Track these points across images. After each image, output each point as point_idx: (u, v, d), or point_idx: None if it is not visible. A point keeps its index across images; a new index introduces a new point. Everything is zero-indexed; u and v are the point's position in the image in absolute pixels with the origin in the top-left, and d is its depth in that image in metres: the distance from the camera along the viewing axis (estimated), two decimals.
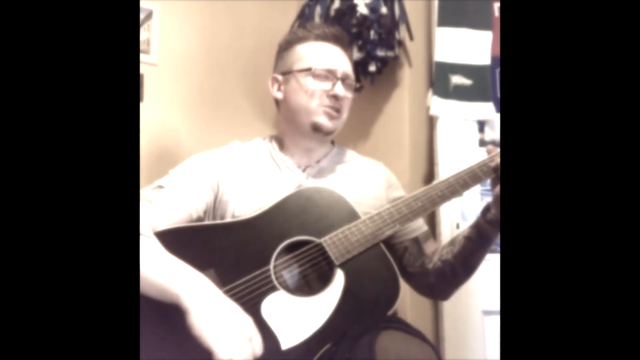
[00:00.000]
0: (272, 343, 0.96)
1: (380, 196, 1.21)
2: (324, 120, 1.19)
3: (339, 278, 1.03)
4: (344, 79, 1.21)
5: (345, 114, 1.23)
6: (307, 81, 1.19)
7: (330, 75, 1.19)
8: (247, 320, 0.90)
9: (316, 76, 1.19)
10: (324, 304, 1.01)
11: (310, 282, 1.06)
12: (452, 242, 1.16)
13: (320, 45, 1.23)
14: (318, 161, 1.24)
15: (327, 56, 1.21)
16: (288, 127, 1.24)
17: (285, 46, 1.27)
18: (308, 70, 1.19)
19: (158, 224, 1.06)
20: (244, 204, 1.13)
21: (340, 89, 1.19)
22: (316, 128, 1.19)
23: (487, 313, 1.66)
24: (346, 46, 1.26)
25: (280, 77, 1.25)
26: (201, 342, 0.85)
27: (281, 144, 1.25)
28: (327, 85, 1.19)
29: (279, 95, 1.25)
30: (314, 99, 1.19)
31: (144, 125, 1.49)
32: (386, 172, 1.30)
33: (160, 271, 0.93)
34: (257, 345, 0.88)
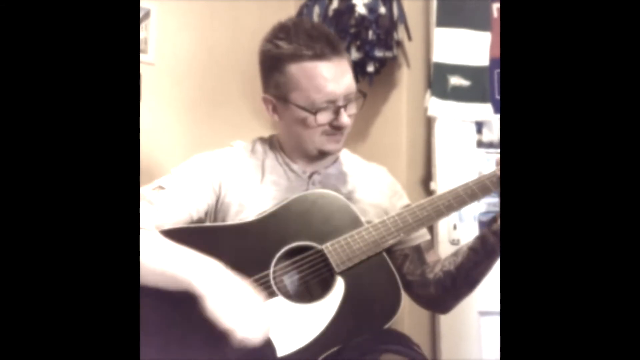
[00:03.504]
0: (268, 349, 0.95)
1: (384, 204, 1.18)
2: (330, 147, 1.13)
3: (339, 286, 1.01)
4: (346, 102, 1.10)
5: (350, 127, 1.15)
6: (309, 118, 1.08)
7: (331, 104, 1.08)
8: (259, 299, 0.91)
9: (318, 111, 1.08)
10: (322, 311, 0.99)
11: (310, 289, 1.04)
12: (455, 253, 1.13)
13: (316, 69, 1.06)
14: (325, 168, 1.20)
15: (326, 84, 1.06)
16: (291, 145, 1.18)
17: (272, 63, 1.11)
18: (307, 107, 1.08)
19: (158, 224, 1.04)
20: (247, 208, 1.11)
21: (344, 118, 1.09)
22: (322, 153, 1.15)
23: (483, 314, 1.66)
24: (341, 50, 1.10)
25: (274, 100, 1.14)
26: (217, 325, 0.87)
27: (285, 149, 1.20)
28: (329, 116, 1.09)
29: (276, 118, 1.16)
30: (316, 132, 1.10)
31: (141, 125, 1.49)
32: (390, 180, 1.27)
33: (169, 260, 0.94)
34: (267, 325, 0.91)
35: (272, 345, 0.95)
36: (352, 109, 1.13)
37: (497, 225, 1.05)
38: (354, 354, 0.93)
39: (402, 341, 1.03)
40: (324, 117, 1.09)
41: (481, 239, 1.09)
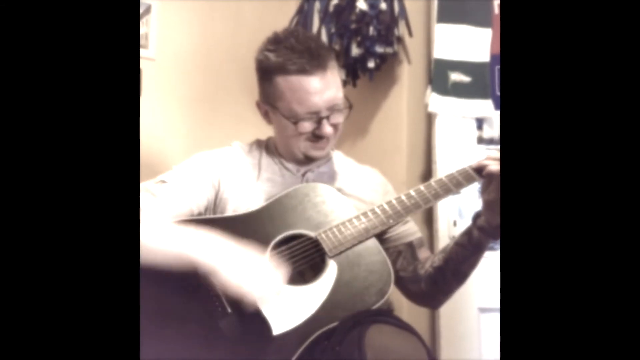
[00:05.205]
0: (264, 328, 0.99)
1: (376, 202, 1.20)
2: (315, 153, 1.18)
3: (331, 268, 1.05)
4: (329, 113, 1.13)
5: (339, 133, 1.19)
6: (290, 127, 1.14)
7: (314, 116, 1.13)
8: (264, 259, 1.01)
9: (299, 121, 1.13)
10: (316, 292, 1.03)
11: (304, 274, 1.09)
12: (444, 250, 1.17)
13: (299, 83, 1.11)
14: (317, 166, 1.24)
15: (308, 96, 1.11)
16: (282, 147, 1.23)
17: (263, 72, 1.16)
18: (289, 118, 1.13)
19: (160, 217, 1.08)
20: (243, 203, 1.16)
21: (326, 128, 1.14)
22: (308, 158, 1.20)
23: (483, 310, 1.66)
24: (327, 62, 1.13)
25: (265, 106, 1.19)
26: (231, 294, 0.95)
27: (279, 150, 1.25)
28: (312, 125, 1.14)
29: (268, 121, 1.22)
30: (300, 139, 1.15)
31: (142, 120, 1.49)
32: (382, 180, 1.31)
33: (172, 240, 1.00)
34: (279, 278, 0.98)
35: (269, 325, 0.99)
36: (338, 118, 1.16)
37: (481, 220, 1.09)
38: (345, 328, 0.97)
39: (391, 316, 1.06)
40: (305, 127, 1.14)
41: (467, 235, 1.12)
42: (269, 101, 1.17)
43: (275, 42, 1.14)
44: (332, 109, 1.13)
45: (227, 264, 0.96)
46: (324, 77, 1.12)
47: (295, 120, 1.13)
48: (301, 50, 1.11)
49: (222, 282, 0.95)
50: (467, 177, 1.10)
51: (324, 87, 1.12)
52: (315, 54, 1.11)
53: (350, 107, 1.17)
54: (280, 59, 1.12)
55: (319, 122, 1.13)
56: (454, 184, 1.09)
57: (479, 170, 1.08)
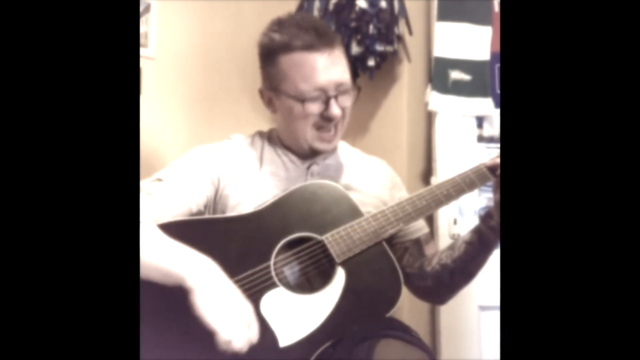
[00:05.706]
0: (270, 340, 0.96)
1: (383, 196, 1.19)
2: (321, 146, 1.14)
3: (339, 276, 1.02)
4: (338, 93, 1.10)
5: (346, 122, 1.15)
6: (297, 107, 1.09)
7: (322, 94, 1.09)
8: (248, 306, 0.91)
9: (306, 101, 1.09)
10: (323, 302, 1.00)
11: (311, 280, 1.05)
12: (452, 247, 1.14)
13: (305, 59, 1.07)
14: (323, 159, 1.20)
15: (315, 73, 1.07)
16: (287, 137, 1.19)
17: (266, 55, 1.13)
18: (296, 97, 1.09)
19: (157, 217, 1.04)
20: (246, 199, 1.12)
21: (334, 109, 1.09)
22: (314, 151, 1.16)
23: (483, 308, 1.66)
24: (334, 42, 1.10)
25: (268, 92, 1.15)
26: (203, 322, 0.86)
27: (282, 142, 1.21)
28: (320, 106, 1.09)
29: (272, 110, 1.18)
30: (307, 124, 1.11)
31: (142, 119, 1.49)
32: (390, 172, 1.28)
33: (164, 254, 0.93)
34: (254, 332, 0.89)
35: (275, 337, 0.96)
36: (346, 101, 1.12)
37: (492, 221, 1.07)
38: (353, 341, 0.94)
39: (401, 328, 1.03)
40: (313, 107, 1.10)
41: (478, 234, 1.10)
42: (273, 86, 1.13)
43: (279, 22, 1.13)
44: (340, 89, 1.09)
45: (209, 291, 0.88)
46: (331, 54, 1.09)
47: (303, 98, 1.08)
48: (308, 27, 1.09)
49: (198, 307, 0.87)
50: (481, 176, 1.07)
51: (330, 65, 1.08)
52: (323, 32, 1.09)
53: (359, 89, 1.13)
54: (286, 37, 1.09)
55: (326, 102, 1.09)
56: (467, 184, 1.06)
57: (493, 169, 1.06)
